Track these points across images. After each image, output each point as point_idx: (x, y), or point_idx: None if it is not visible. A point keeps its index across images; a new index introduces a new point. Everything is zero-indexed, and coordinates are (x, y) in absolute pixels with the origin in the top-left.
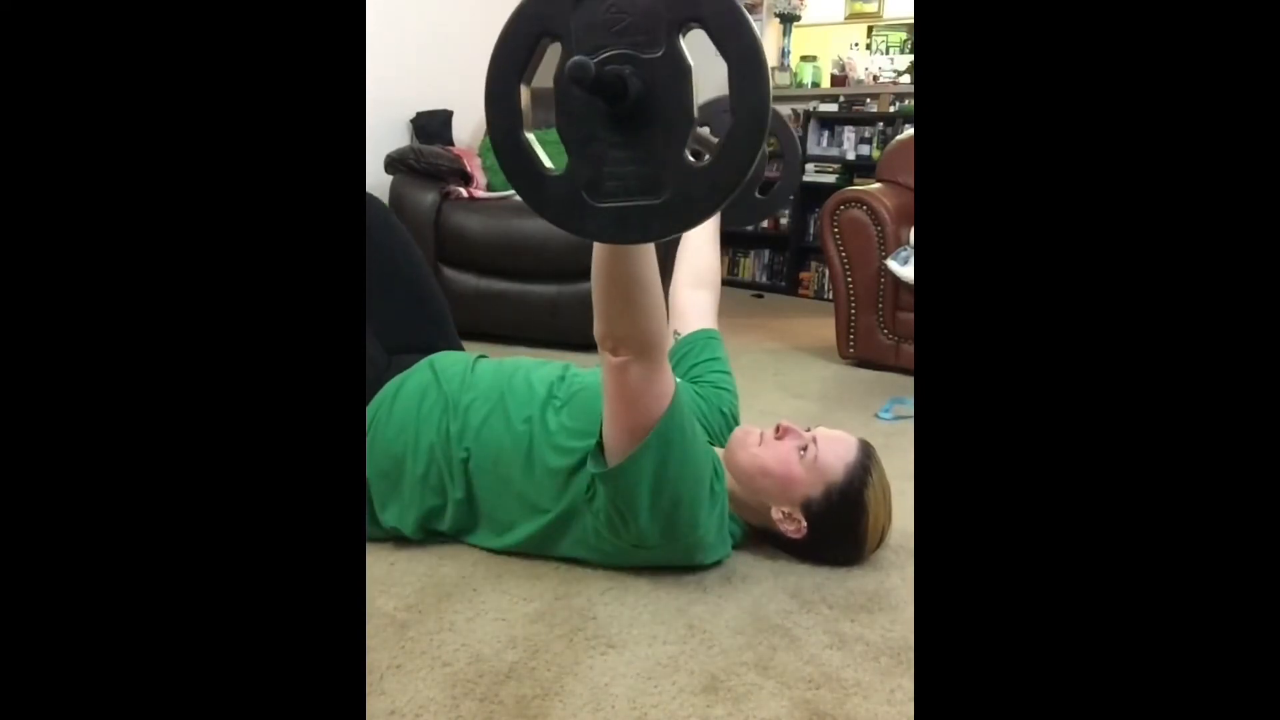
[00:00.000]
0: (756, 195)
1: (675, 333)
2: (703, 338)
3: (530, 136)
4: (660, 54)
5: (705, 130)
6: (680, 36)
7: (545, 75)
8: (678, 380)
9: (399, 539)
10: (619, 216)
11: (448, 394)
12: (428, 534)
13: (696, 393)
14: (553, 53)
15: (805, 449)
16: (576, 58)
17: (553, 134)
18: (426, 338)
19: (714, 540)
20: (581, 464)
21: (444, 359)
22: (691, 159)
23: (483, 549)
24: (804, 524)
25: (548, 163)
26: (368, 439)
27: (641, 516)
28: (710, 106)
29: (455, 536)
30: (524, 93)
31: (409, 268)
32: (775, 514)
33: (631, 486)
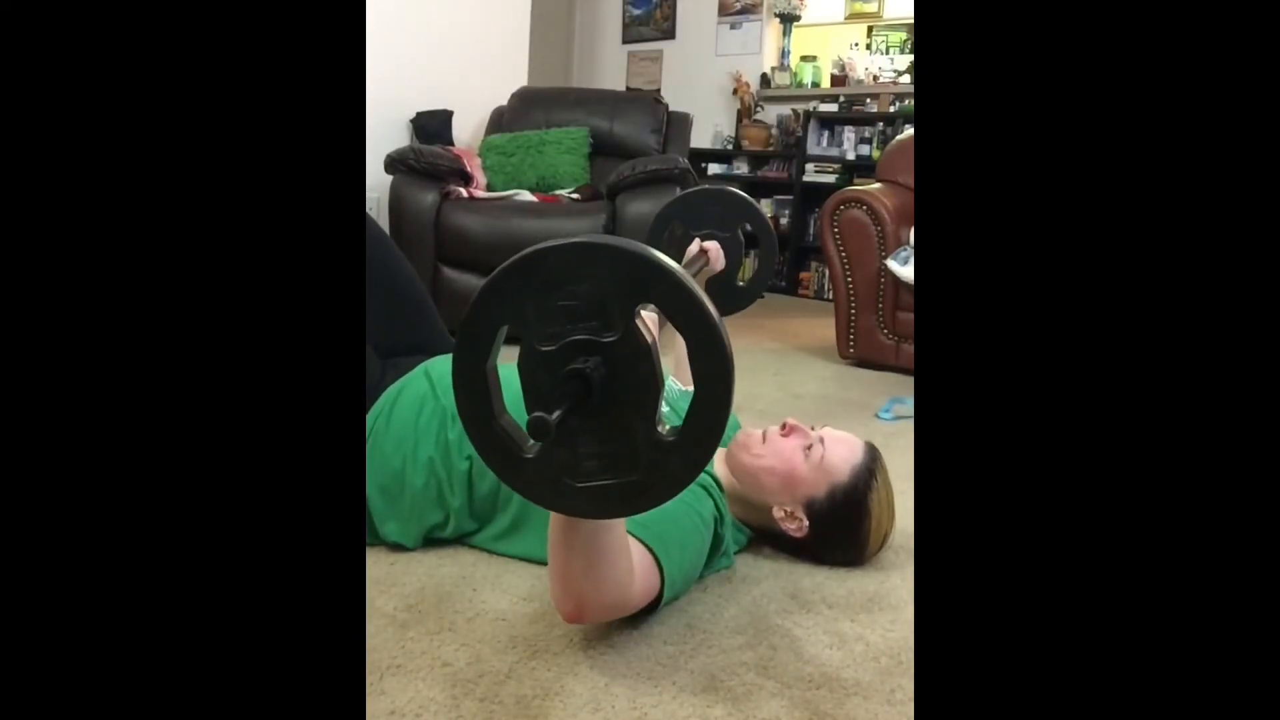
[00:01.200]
0: (738, 283)
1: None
2: None
3: (505, 420)
4: (618, 336)
5: (695, 245)
6: (636, 316)
7: (547, 76)
8: None
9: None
10: (600, 494)
11: (445, 405)
12: (429, 542)
13: None
14: None
15: (811, 448)
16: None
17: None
18: (414, 336)
19: (719, 562)
20: None
21: (439, 365)
22: (662, 431)
23: (483, 550)
24: (805, 523)
25: (525, 444)
26: (366, 451)
27: None
28: (691, 201)
29: (457, 540)
30: (492, 378)
31: (385, 267)
32: (777, 512)
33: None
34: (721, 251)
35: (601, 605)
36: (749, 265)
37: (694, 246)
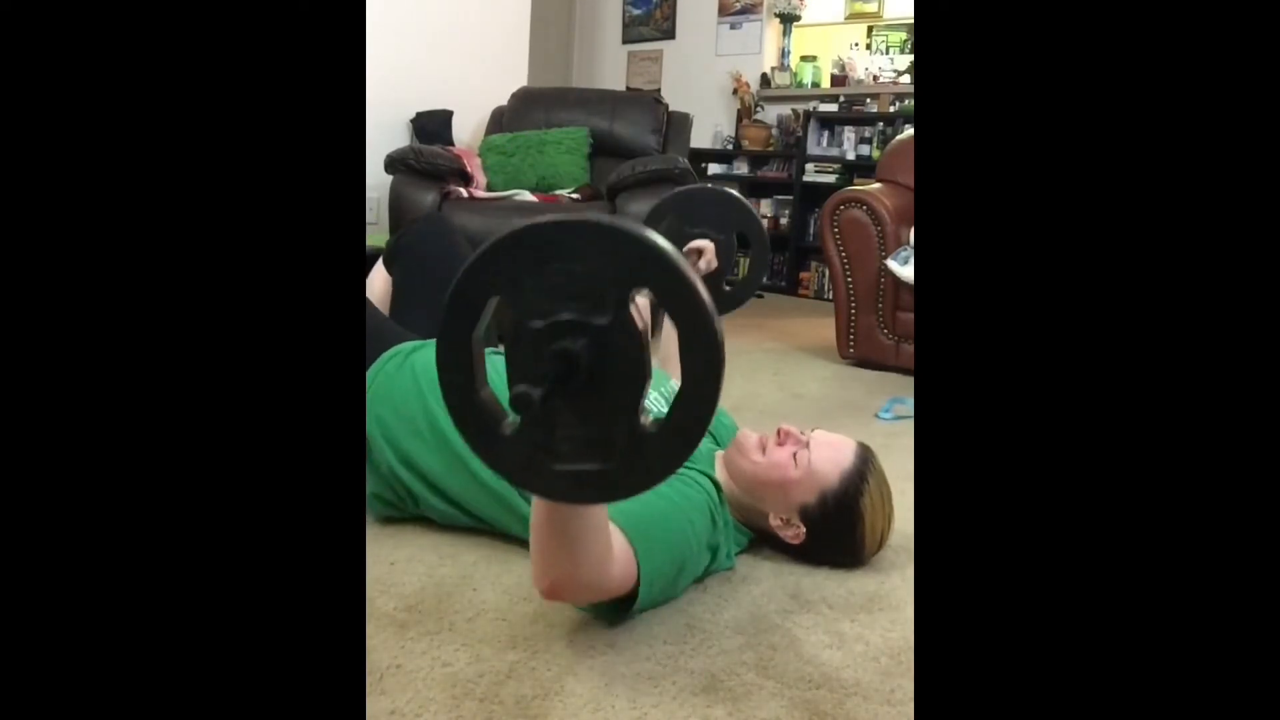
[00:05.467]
0: (725, 287)
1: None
2: None
3: (485, 393)
4: (609, 319)
5: (700, 242)
6: (630, 301)
7: (547, 76)
8: None
9: (399, 539)
10: (575, 478)
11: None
12: (429, 542)
13: None
14: None
15: (798, 454)
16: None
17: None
18: None
19: (719, 564)
20: None
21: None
22: (645, 422)
23: (481, 549)
24: (801, 530)
25: (506, 418)
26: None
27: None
28: (689, 198)
29: (456, 537)
30: (478, 349)
31: (455, 259)
32: (773, 520)
33: (642, 609)
34: (714, 251)
35: (577, 584)
36: (741, 269)
37: (694, 244)
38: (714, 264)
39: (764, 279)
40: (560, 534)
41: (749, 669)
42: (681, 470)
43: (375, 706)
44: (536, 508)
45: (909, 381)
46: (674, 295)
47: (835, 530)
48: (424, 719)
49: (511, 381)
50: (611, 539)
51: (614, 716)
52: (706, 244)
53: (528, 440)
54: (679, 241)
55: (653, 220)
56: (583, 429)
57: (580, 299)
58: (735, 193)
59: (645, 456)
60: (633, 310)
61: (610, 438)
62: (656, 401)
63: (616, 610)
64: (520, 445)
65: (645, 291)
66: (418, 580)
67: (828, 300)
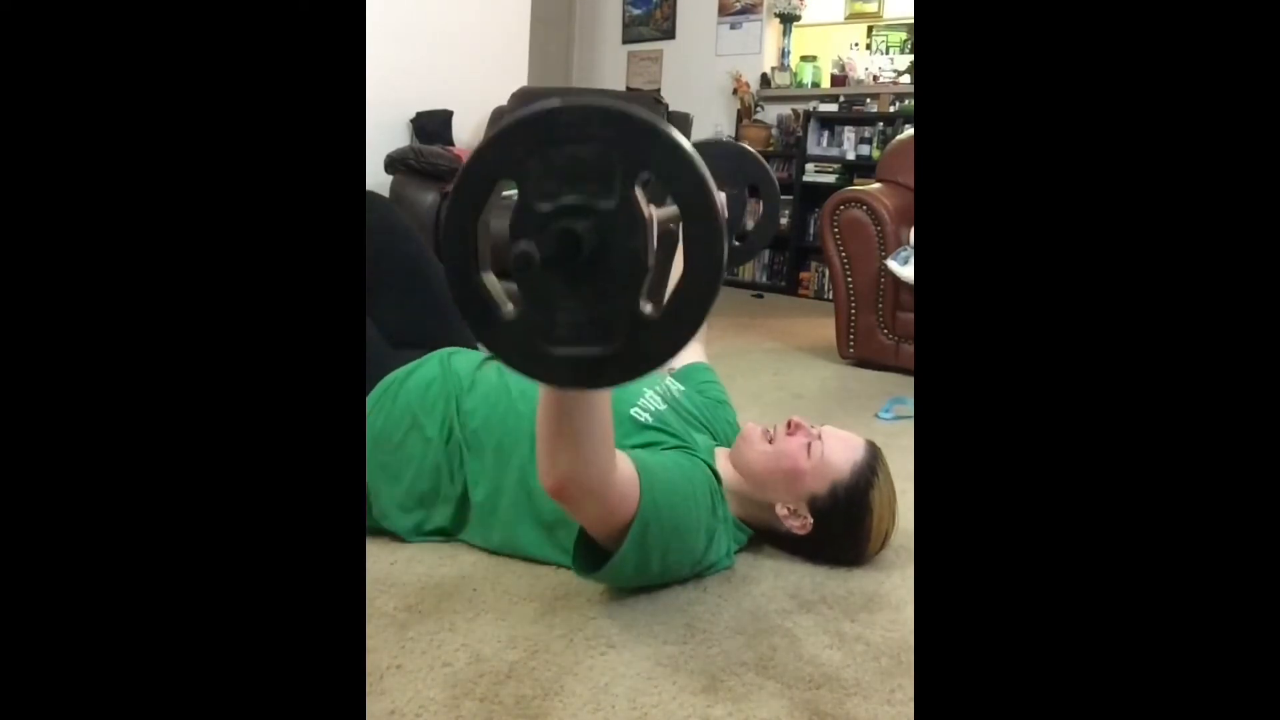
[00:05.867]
0: (734, 242)
1: (670, 368)
2: (698, 367)
3: (487, 277)
4: (615, 204)
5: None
6: (637, 185)
7: (547, 76)
8: (656, 429)
9: (399, 539)
10: (572, 363)
11: (452, 389)
12: (429, 542)
13: (701, 397)
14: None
15: (811, 445)
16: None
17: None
18: (430, 329)
19: (718, 560)
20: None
21: (456, 356)
22: (647, 308)
23: (481, 549)
24: (809, 520)
25: (504, 306)
26: (367, 429)
27: (639, 582)
28: (702, 151)
29: (450, 534)
30: (481, 232)
31: (408, 258)
32: (780, 510)
33: (621, 578)
34: (725, 202)
35: (581, 482)
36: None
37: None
38: (725, 214)
39: (778, 226)
40: (566, 428)
41: (749, 669)
42: (691, 454)
43: (375, 706)
44: (542, 401)
45: (909, 381)
46: (679, 179)
47: (844, 522)
48: (424, 719)
49: (514, 268)
50: (618, 459)
51: (614, 716)
52: (720, 195)
53: (527, 324)
54: None
55: None
56: (583, 313)
57: (586, 183)
58: (743, 145)
59: (644, 341)
60: (637, 195)
61: (610, 321)
62: (654, 400)
63: (600, 561)
64: (519, 328)
65: (648, 174)
66: (418, 580)
67: (828, 300)
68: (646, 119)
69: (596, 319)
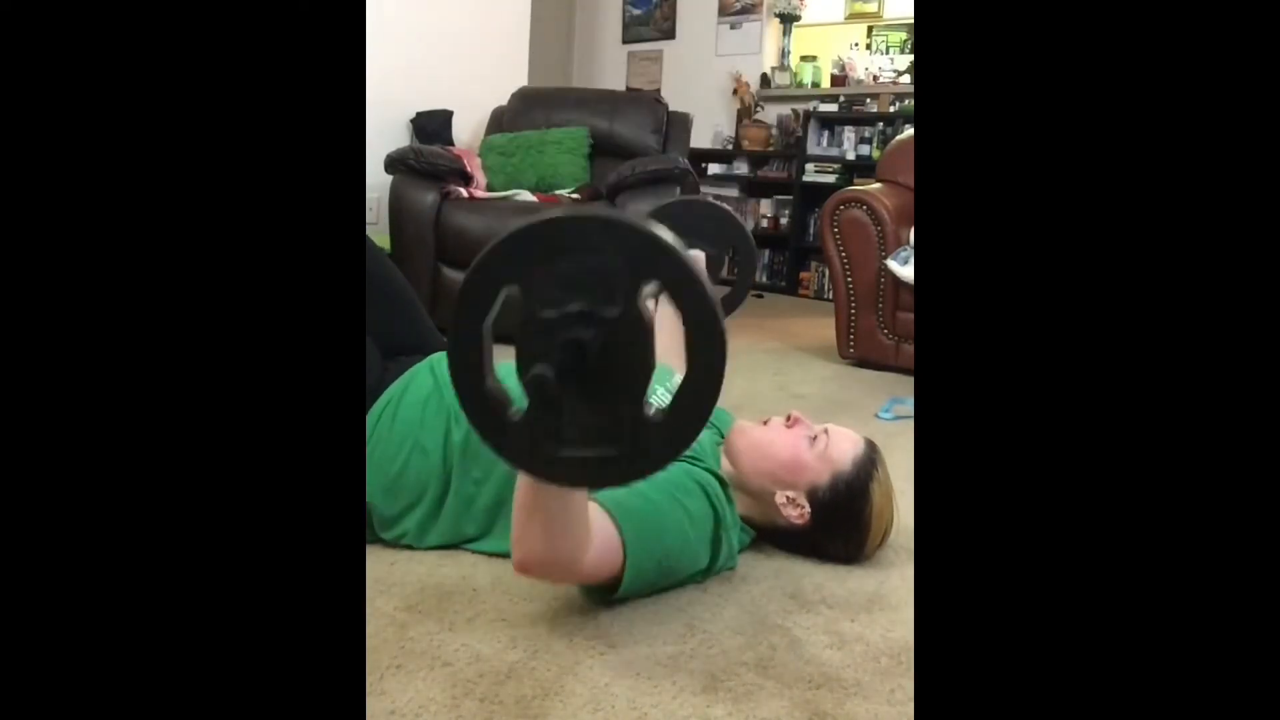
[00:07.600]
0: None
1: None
2: None
3: (493, 381)
4: (619, 312)
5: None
6: (640, 294)
7: (547, 76)
8: None
9: (399, 539)
10: (580, 465)
11: (449, 404)
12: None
13: None
14: None
15: (815, 439)
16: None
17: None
18: (412, 337)
19: (723, 563)
20: None
21: (444, 362)
22: (650, 411)
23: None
24: (807, 509)
25: (512, 406)
26: (368, 451)
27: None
28: (685, 208)
29: (460, 544)
30: (487, 338)
31: (375, 275)
32: (779, 498)
33: (626, 596)
34: (705, 263)
35: (546, 564)
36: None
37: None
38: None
39: (747, 295)
40: (538, 514)
41: (749, 669)
42: (689, 465)
43: (375, 706)
44: (520, 488)
45: (909, 381)
46: (682, 289)
47: (844, 513)
48: (424, 719)
49: (521, 368)
50: (593, 527)
51: (614, 716)
52: (699, 254)
53: (534, 428)
54: None
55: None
56: (589, 417)
57: (591, 291)
58: (728, 208)
59: (649, 443)
60: (640, 303)
61: (616, 425)
62: (660, 396)
63: (603, 592)
64: (526, 431)
65: (653, 285)
66: (418, 580)
67: (828, 300)
68: (650, 232)
69: (603, 423)
